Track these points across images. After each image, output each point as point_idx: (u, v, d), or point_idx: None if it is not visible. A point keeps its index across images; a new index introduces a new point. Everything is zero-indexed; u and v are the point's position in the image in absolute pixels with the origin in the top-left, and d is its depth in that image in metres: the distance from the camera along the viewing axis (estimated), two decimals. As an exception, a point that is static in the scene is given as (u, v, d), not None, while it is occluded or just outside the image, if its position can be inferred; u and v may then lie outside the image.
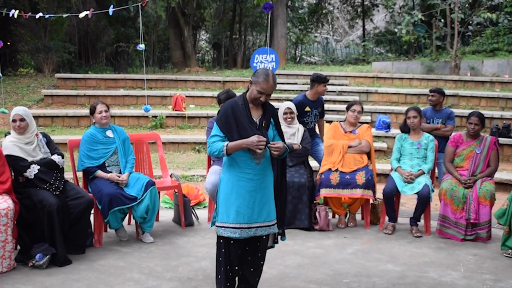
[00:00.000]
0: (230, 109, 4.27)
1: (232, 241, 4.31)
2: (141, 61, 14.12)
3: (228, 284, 4.37)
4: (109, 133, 6.36)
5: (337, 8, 32.95)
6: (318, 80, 7.58)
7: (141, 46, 10.85)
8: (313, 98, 7.67)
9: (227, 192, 4.30)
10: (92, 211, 5.98)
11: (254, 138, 4.09)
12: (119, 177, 6.16)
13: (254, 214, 4.28)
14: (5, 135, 5.85)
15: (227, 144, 4.16)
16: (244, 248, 4.42)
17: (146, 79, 15.60)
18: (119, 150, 6.35)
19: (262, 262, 4.52)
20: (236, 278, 4.48)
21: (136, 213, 6.10)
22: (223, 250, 4.34)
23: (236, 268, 4.39)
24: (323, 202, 7.01)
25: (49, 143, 5.97)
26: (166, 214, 7.34)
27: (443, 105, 8.25)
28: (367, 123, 10.32)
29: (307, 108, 7.60)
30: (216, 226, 4.34)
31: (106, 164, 6.26)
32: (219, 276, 4.38)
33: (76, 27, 26.09)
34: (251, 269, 4.47)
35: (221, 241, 4.34)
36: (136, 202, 6.03)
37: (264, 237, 4.42)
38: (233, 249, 4.34)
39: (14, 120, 5.65)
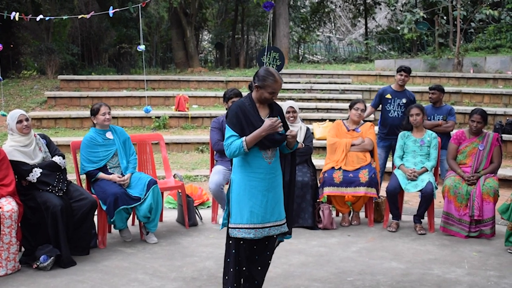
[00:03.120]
0: (238, 109, 4.28)
1: (242, 242, 4.32)
2: (142, 62, 14.13)
3: (235, 284, 4.37)
4: (108, 135, 6.33)
5: (339, 6, 32.95)
6: (397, 71, 8.28)
7: (141, 47, 10.88)
8: (395, 87, 8.27)
9: (240, 193, 4.30)
10: (96, 212, 5.98)
11: (267, 123, 4.14)
12: (121, 178, 6.17)
13: (267, 214, 4.28)
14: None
15: (245, 139, 4.16)
16: (252, 248, 4.43)
17: (149, 80, 15.68)
18: (119, 151, 6.33)
19: (269, 261, 4.53)
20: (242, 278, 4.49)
21: (139, 212, 6.09)
22: (233, 251, 4.33)
23: (244, 268, 4.39)
24: (326, 201, 7.01)
25: (49, 144, 5.95)
26: (170, 215, 7.35)
27: (443, 102, 8.30)
28: (370, 121, 10.29)
29: (388, 96, 8.21)
30: (230, 227, 4.33)
31: (108, 167, 6.26)
32: (227, 277, 4.37)
33: (78, 28, 26.13)
34: (259, 268, 4.47)
35: (230, 242, 4.34)
36: (139, 202, 6.04)
37: (273, 236, 4.44)
38: (243, 250, 4.34)
39: (20, 121, 5.62)
